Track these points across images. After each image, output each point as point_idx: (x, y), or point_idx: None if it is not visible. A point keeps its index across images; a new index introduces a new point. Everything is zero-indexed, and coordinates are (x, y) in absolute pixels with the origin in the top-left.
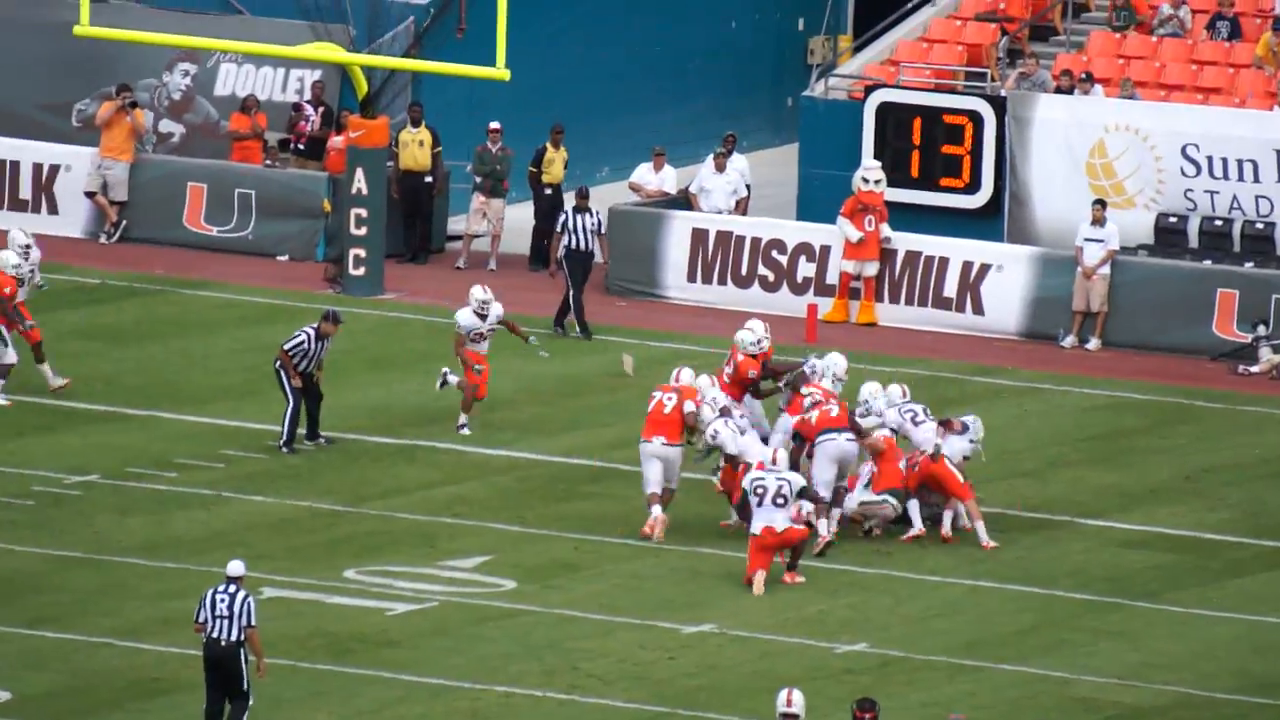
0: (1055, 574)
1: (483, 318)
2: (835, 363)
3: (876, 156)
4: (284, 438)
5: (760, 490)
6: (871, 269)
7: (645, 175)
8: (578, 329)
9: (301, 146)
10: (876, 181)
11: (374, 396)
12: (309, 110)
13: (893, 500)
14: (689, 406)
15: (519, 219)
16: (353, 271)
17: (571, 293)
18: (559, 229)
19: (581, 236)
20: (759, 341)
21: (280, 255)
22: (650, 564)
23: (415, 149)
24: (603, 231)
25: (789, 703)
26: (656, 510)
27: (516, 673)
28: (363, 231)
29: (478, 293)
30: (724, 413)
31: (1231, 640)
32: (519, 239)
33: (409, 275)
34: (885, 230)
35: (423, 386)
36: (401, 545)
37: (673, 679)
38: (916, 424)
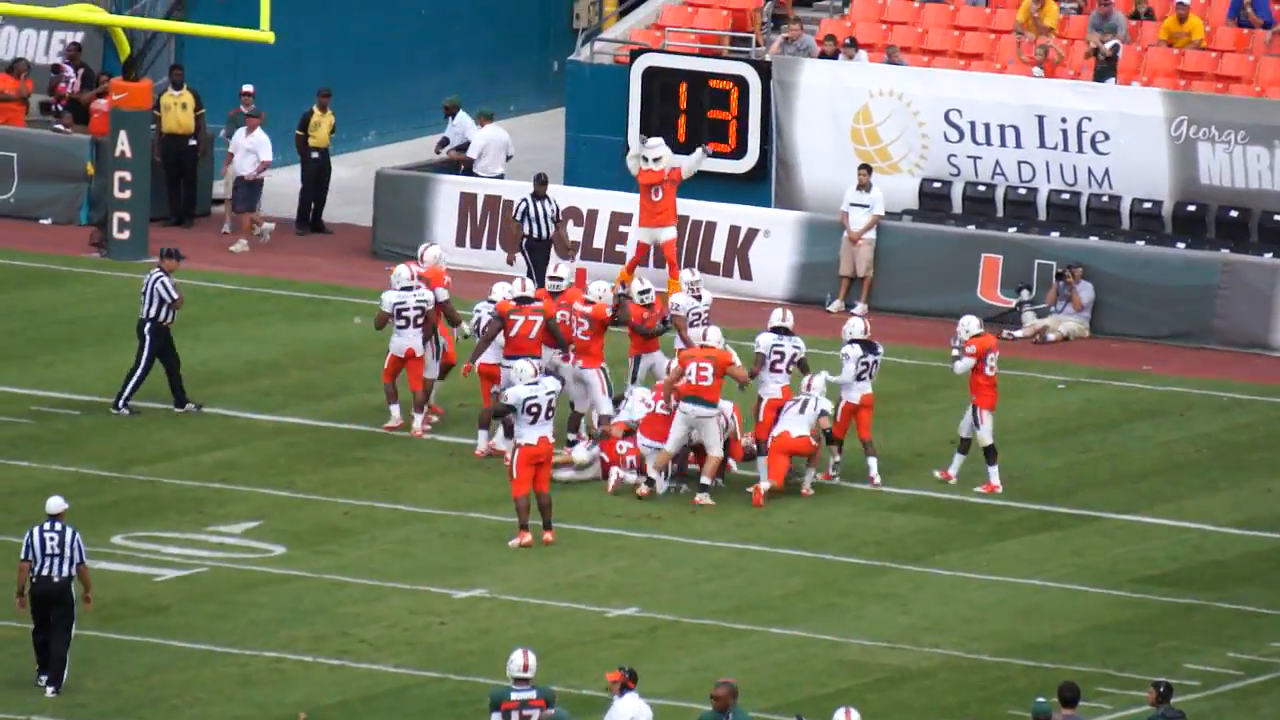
0: (823, 538)
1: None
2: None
3: (643, 121)
4: (124, 396)
5: (534, 409)
6: (667, 234)
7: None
8: None
9: (61, 108)
10: (656, 160)
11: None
12: (69, 71)
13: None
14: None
15: (285, 182)
16: (117, 235)
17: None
18: (517, 216)
19: (542, 224)
20: (647, 292)
21: (43, 219)
22: (420, 529)
23: (178, 111)
24: (560, 218)
25: (524, 667)
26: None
27: (286, 638)
28: (127, 195)
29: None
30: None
31: (997, 603)
32: (286, 202)
33: (173, 238)
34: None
35: (186, 352)
36: (169, 511)
37: (443, 644)
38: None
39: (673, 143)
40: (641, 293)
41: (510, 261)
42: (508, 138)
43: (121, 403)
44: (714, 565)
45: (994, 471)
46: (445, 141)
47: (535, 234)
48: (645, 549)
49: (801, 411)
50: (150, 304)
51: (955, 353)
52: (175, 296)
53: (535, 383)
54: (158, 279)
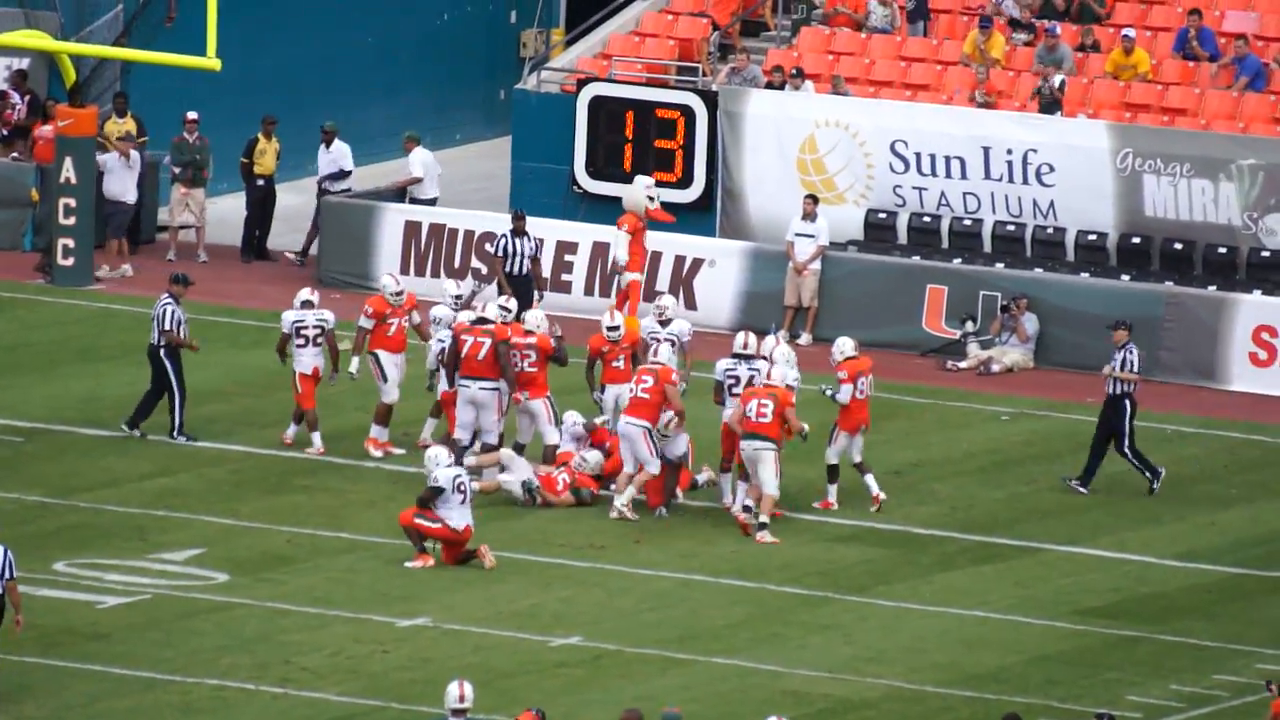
0: (766, 568)
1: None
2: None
3: (589, 150)
4: (177, 426)
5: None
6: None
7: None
8: None
9: (5, 133)
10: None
11: (83, 387)
12: (15, 98)
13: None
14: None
15: (230, 209)
16: (61, 261)
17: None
18: (496, 253)
19: (518, 261)
20: (615, 329)
21: None
22: (364, 557)
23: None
24: (538, 255)
25: (461, 698)
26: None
27: (228, 666)
28: (71, 221)
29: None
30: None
31: (940, 634)
32: (230, 231)
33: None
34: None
35: (133, 378)
36: (112, 538)
37: (386, 672)
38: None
39: (619, 172)
40: (610, 328)
41: (503, 292)
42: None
43: (177, 433)
44: (657, 594)
45: (833, 490)
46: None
47: (514, 270)
48: (589, 578)
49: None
50: (158, 329)
51: (828, 389)
52: (166, 328)
53: (450, 465)
54: (165, 304)
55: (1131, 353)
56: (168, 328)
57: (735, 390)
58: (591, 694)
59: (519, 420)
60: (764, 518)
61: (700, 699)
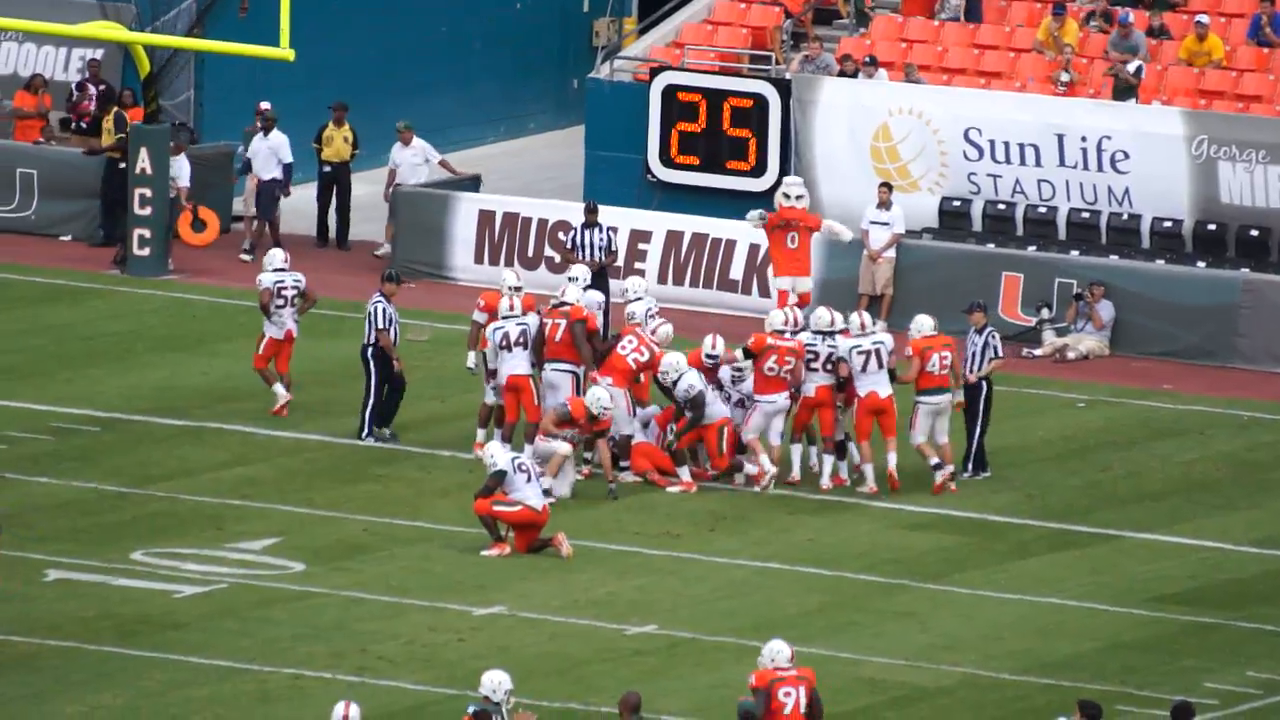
0: (842, 556)
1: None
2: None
3: (662, 139)
4: (365, 428)
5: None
6: (805, 285)
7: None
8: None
9: (84, 125)
10: (799, 197)
11: (159, 377)
12: (91, 89)
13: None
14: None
15: (304, 199)
16: (137, 252)
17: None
18: (569, 246)
19: (591, 253)
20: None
21: (63, 235)
22: (439, 546)
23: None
24: (614, 248)
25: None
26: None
27: (305, 655)
28: (147, 211)
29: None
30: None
31: (1016, 621)
32: (305, 220)
33: (193, 255)
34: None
35: (207, 367)
36: (189, 527)
37: (462, 660)
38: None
39: (693, 161)
40: (709, 356)
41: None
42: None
43: (365, 433)
44: (733, 583)
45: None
46: (247, 162)
47: (587, 262)
48: (664, 566)
49: (870, 364)
50: (371, 329)
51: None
52: (381, 326)
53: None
54: (376, 303)
55: (994, 336)
56: (382, 326)
57: (814, 365)
58: (667, 682)
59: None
60: (950, 469)
61: None
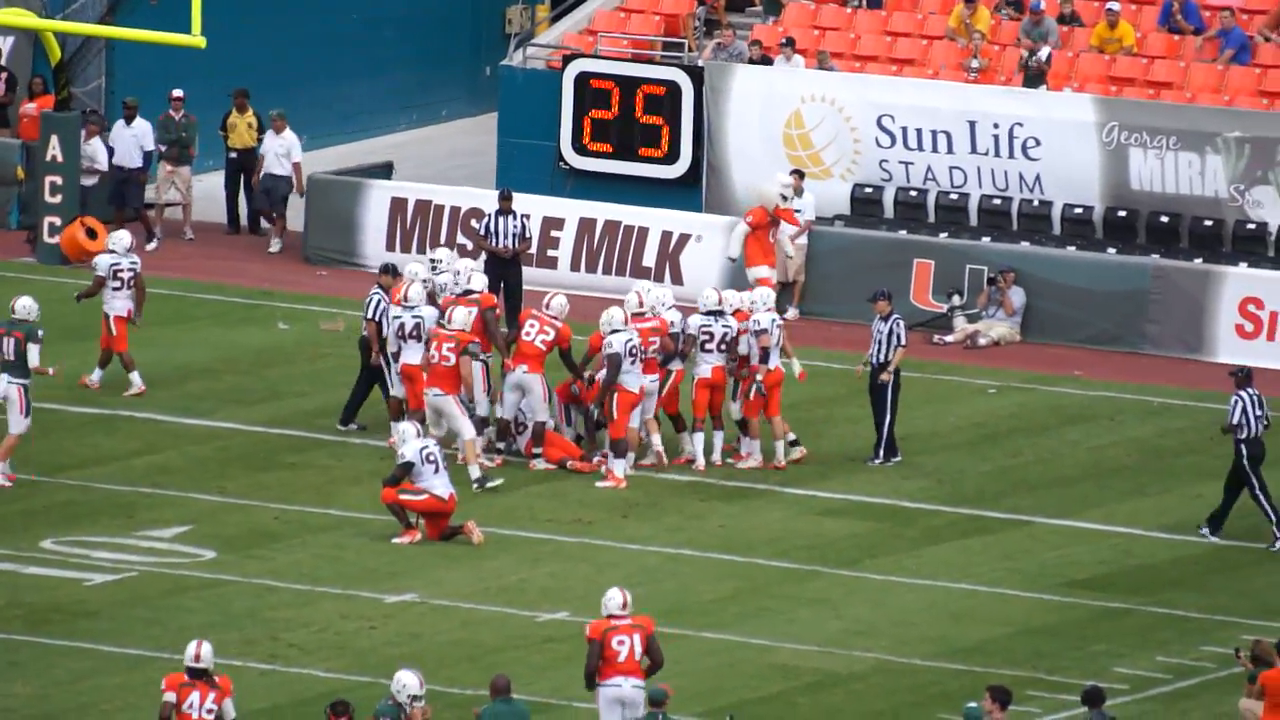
0: (754, 542)
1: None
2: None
3: (575, 126)
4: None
5: None
6: (771, 272)
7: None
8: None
9: None
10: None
11: (70, 366)
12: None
13: None
14: None
15: (216, 186)
16: (47, 239)
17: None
18: (482, 234)
19: (504, 241)
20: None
21: None
22: (351, 533)
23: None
24: (528, 235)
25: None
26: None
27: (216, 643)
28: (58, 199)
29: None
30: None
31: (928, 607)
32: (217, 207)
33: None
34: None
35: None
36: (100, 515)
37: (374, 648)
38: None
39: (605, 149)
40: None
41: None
42: None
43: (341, 421)
44: (645, 570)
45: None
46: (111, 151)
47: (500, 249)
48: (577, 553)
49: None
50: (365, 319)
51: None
52: (369, 317)
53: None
54: (373, 294)
55: (899, 324)
56: (370, 317)
57: (708, 346)
58: (579, 669)
59: (507, 397)
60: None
61: (689, 674)
